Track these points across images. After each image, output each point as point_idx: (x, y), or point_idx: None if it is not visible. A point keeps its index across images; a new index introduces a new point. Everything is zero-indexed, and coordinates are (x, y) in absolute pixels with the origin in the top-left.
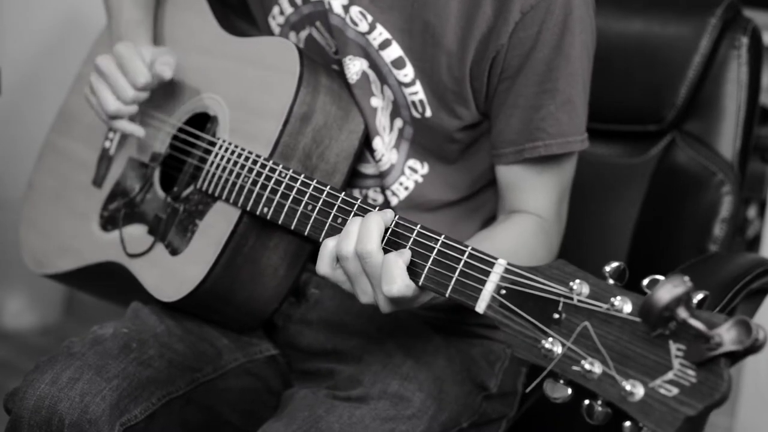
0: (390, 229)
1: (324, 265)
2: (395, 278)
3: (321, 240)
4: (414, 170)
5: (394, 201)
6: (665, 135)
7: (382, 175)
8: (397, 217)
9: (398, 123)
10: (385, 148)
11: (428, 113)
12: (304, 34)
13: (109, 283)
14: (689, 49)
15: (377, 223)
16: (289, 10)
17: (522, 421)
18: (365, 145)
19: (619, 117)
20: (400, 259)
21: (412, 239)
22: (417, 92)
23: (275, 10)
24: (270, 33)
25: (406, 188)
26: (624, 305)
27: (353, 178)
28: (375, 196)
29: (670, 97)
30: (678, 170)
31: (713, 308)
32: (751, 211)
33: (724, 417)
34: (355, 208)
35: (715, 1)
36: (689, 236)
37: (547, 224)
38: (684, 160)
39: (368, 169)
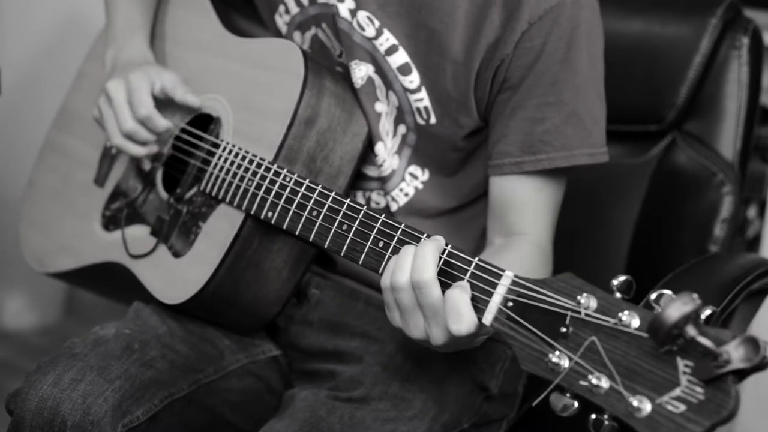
0: (396, 237)
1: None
2: (463, 316)
3: (325, 247)
4: (414, 176)
5: (393, 207)
6: (665, 135)
7: (383, 180)
8: (403, 225)
9: (402, 129)
10: (387, 153)
11: (433, 120)
12: (309, 34)
13: (111, 282)
14: (689, 49)
15: (432, 251)
16: (294, 9)
17: (522, 421)
18: (368, 149)
19: (620, 117)
20: (466, 294)
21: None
22: (422, 99)
23: (281, 8)
24: (276, 30)
25: (406, 194)
26: (632, 320)
27: (357, 181)
28: (378, 199)
29: (670, 97)
30: (678, 170)
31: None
32: (751, 211)
33: None
34: (360, 215)
35: (715, 1)
36: (689, 236)
37: (546, 246)
38: (684, 161)
39: (372, 171)
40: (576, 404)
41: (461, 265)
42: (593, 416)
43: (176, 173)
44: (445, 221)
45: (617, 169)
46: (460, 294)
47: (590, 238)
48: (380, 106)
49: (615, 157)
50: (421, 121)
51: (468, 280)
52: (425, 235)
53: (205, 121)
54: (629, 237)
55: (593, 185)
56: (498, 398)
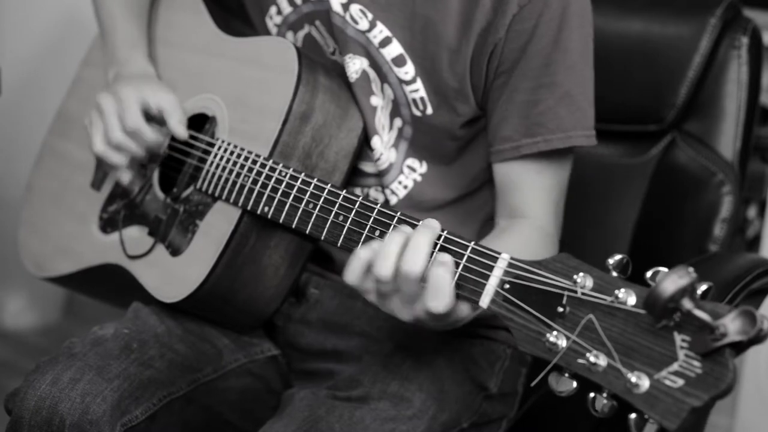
0: (392, 226)
1: (353, 276)
2: (445, 295)
3: (322, 238)
4: (413, 169)
5: (393, 200)
6: (665, 135)
7: (380, 174)
8: (399, 213)
9: (398, 122)
10: (384, 147)
11: (429, 111)
12: (302, 33)
13: (110, 285)
14: (689, 49)
15: (428, 242)
16: (287, 9)
17: (522, 421)
18: (365, 143)
19: (619, 117)
20: (448, 274)
21: None
22: (418, 90)
23: (272, 9)
24: (267, 33)
25: (405, 187)
26: (628, 297)
27: (354, 177)
28: (376, 195)
29: (670, 97)
30: (678, 170)
31: None
32: (751, 211)
33: (724, 417)
34: (356, 206)
35: (715, 1)
36: (689, 236)
37: (546, 225)
38: (684, 160)
39: (369, 167)
40: (575, 384)
41: (458, 249)
42: (591, 395)
43: (173, 173)
44: (446, 213)
45: (617, 169)
46: (444, 273)
47: (590, 238)
48: (375, 100)
49: (615, 157)
50: (417, 113)
51: (465, 264)
52: (420, 222)
53: (201, 121)
54: (629, 237)
55: (593, 185)
56: (497, 397)
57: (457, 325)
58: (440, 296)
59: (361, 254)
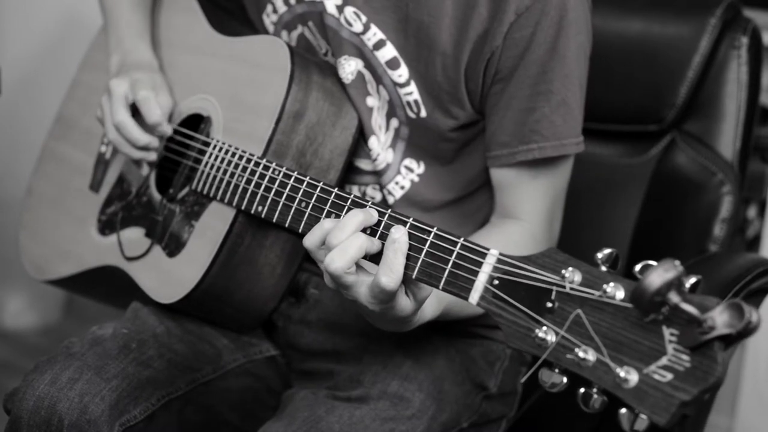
0: (383, 222)
1: (310, 241)
2: (395, 271)
3: None
4: (410, 169)
5: (390, 200)
6: (665, 135)
7: (378, 174)
8: (390, 210)
9: (394, 123)
10: (381, 147)
11: (423, 113)
12: (296, 33)
13: (109, 286)
14: (689, 49)
15: (357, 220)
16: (282, 9)
17: (522, 421)
18: (362, 143)
19: (619, 117)
20: (400, 253)
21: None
22: (412, 92)
23: (269, 8)
24: (265, 31)
25: (402, 187)
26: (616, 291)
27: (352, 175)
28: (373, 193)
29: (670, 97)
30: (678, 170)
31: None
32: (751, 211)
33: (724, 417)
34: (348, 203)
35: (715, 1)
36: (689, 236)
37: (537, 230)
38: (684, 161)
39: (366, 165)
40: (565, 380)
41: (447, 246)
42: (582, 390)
43: (169, 174)
44: (446, 214)
45: (617, 169)
46: (394, 250)
47: (590, 238)
48: (371, 101)
49: (615, 157)
50: (411, 115)
51: (454, 261)
52: (411, 219)
53: (196, 122)
54: (629, 237)
55: (593, 185)
56: (497, 397)
57: (409, 324)
58: (390, 272)
59: (325, 224)
